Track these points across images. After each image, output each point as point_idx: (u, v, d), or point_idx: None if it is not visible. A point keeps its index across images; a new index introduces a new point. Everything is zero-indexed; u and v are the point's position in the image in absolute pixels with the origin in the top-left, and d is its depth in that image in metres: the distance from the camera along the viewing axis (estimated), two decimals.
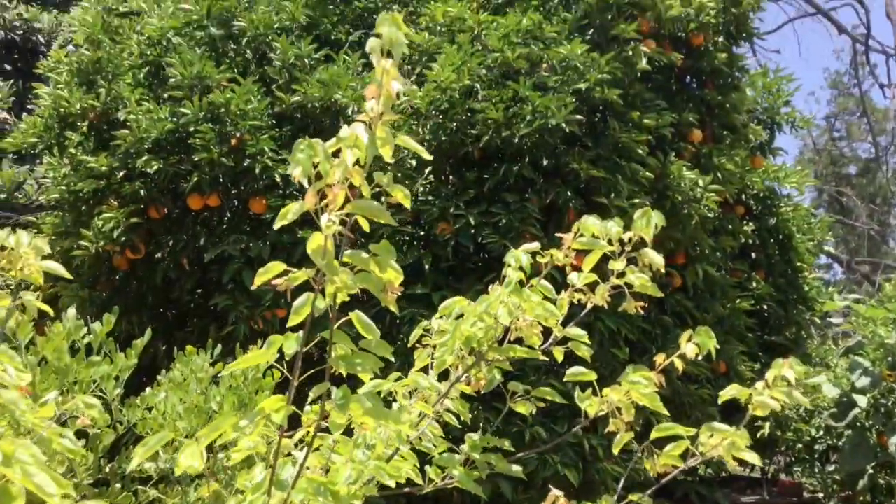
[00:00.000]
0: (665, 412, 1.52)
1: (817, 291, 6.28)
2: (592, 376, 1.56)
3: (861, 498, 4.86)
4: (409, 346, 1.89)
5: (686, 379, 4.69)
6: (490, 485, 3.83)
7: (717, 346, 1.60)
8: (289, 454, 1.22)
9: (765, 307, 5.84)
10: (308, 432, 1.19)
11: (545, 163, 4.40)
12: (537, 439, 3.93)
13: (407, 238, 4.53)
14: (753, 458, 1.49)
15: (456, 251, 4.31)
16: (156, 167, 4.37)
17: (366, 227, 1.04)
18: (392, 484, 1.34)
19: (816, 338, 6.90)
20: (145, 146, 4.44)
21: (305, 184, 0.98)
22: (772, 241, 6.17)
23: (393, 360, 1.15)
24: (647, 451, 1.55)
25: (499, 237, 4.14)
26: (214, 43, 4.83)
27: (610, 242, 1.53)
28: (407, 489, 1.52)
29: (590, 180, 4.33)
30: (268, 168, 4.30)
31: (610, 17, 4.64)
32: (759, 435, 4.84)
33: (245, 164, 4.32)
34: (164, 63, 4.73)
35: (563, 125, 4.16)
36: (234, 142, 4.36)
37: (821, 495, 5.33)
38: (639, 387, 1.49)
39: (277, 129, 4.51)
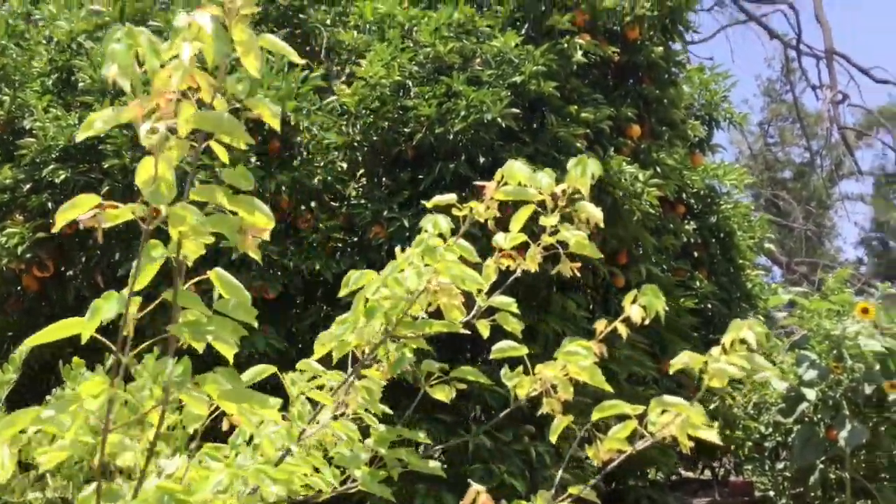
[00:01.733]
0: (609, 388, 1.32)
1: (760, 288, 6.23)
2: (523, 351, 1.35)
3: (812, 493, 4.75)
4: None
5: (632, 381, 4.55)
6: (408, 488, 3.59)
7: (666, 309, 1.40)
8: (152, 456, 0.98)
9: (708, 305, 5.76)
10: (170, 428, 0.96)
11: (482, 160, 4.21)
12: (482, 449, 3.71)
13: (340, 245, 4.32)
14: (711, 434, 1.29)
15: (390, 255, 4.08)
16: (63, 177, 4.05)
17: (223, 155, 0.82)
18: (279, 492, 1.10)
19: None
20: (52, 155, 4.12)
21: (126, 87, 0.76)
22: (713, 239, 6.10)
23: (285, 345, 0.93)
24: (589, 434, 1.35)
25: None
26: None
27: (541, 196, 1.34)
28: (305, 497, 1.28)
29: None
30: (186, 174, 4.02)
31: (543, 8, 4.51)
32: None
33: None
34: (73, 67, 4.42)
35: (499, 119, 4.00)
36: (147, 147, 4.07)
37: (772, 493, 5.21)
38: (577, 358, 1.28)
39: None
